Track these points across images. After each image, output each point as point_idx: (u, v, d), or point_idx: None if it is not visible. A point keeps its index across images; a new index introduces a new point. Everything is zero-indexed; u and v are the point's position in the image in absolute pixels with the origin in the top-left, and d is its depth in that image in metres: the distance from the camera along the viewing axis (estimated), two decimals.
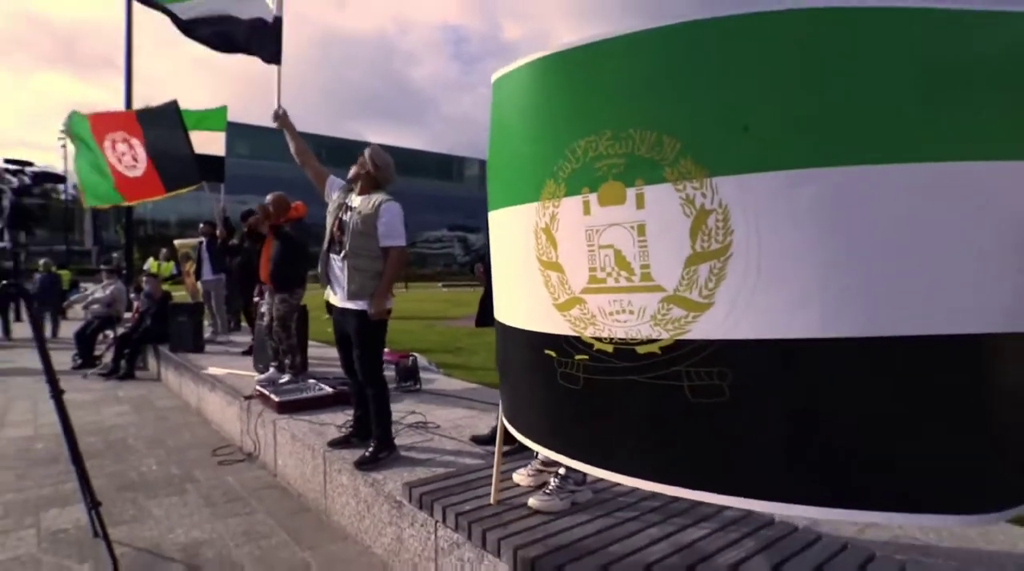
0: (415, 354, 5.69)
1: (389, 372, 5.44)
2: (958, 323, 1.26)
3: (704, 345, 1.47)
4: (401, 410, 4.21)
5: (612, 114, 1.57)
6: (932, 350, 1.27)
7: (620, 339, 1.62)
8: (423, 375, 5.34)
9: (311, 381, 4.89)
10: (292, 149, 3.60)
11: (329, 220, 3.31)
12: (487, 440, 3.41)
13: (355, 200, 3.24)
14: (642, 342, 1.57)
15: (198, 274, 8.57)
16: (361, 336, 3.18)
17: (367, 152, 3.28)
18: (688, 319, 1.48)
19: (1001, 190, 1.24)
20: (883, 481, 1.34)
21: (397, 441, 3.34)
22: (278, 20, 4.18)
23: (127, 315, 9.84)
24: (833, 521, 2.23)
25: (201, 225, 8.54)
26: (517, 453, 2.94)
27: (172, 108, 7.39)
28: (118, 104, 15.02)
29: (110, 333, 8.82)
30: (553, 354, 1.82)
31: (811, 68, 1.34)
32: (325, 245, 3.31)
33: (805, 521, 2.30)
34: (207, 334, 7.91)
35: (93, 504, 2.74)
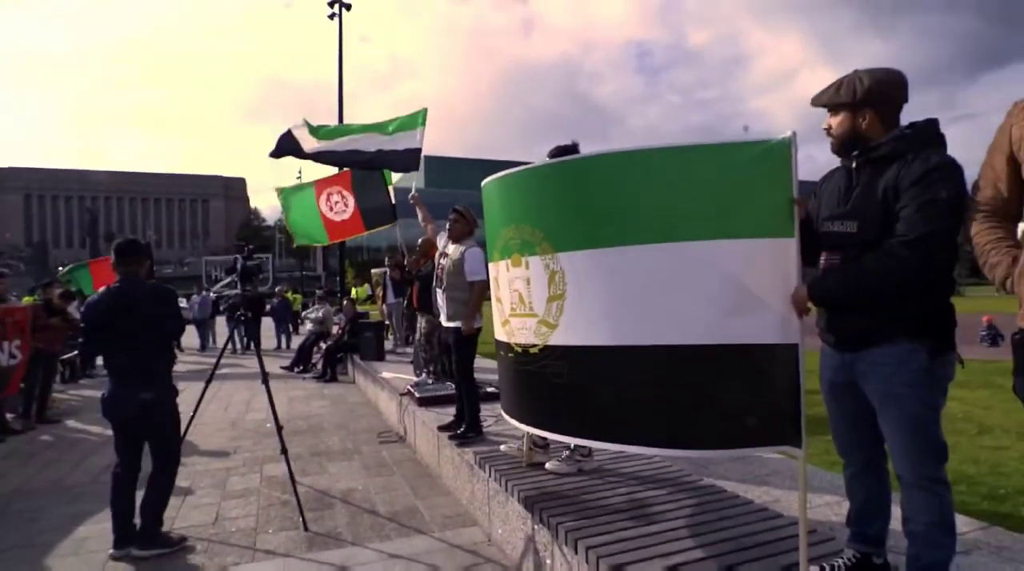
0: None
1: None
2: (690, 337, 2.09)
3: (556, 348, 2.44)
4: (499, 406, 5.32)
5: (516, 215, 2.62)
6: (675, 352, 2.12)
7: (523, 344, 2.63)
8: None
9: (448, 384, 6.22)
10: (420, 216, 5.11)
11: (436, 265, 4.56)
12: None
13: (450, 247, 4.44)
14: (531, 346, 2.57)
15: (384, 297, 10.63)
16: (457, 346, 4.33)
17: (459, 211, 4.46)
18: (549, 333, 2.46)
19: (717, 256, 2.02)
20: (654, 426, 2.19)
21: (495, 428, 4.43)
22: (418, 150, 6.04)
23: (335, 330, 12.39)
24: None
25: (387, 258, 10.61)
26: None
27: (378, 173, 9.57)
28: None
29: (322, 345, 11.28)
30: (503, 353, 2.89)
31: (599, 191, 2.26)
32: (434, 282, 4.56)
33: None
34: (389, 346, 9.82)
35: (286, 456, 4.25)
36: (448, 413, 5.17)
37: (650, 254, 2.12)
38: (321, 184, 10.10)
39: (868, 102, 1.87)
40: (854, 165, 1.96)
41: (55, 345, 7.43)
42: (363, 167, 6.95)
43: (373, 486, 4.51)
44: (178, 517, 3.92)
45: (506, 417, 3.09)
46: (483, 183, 2.92)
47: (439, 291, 4.46)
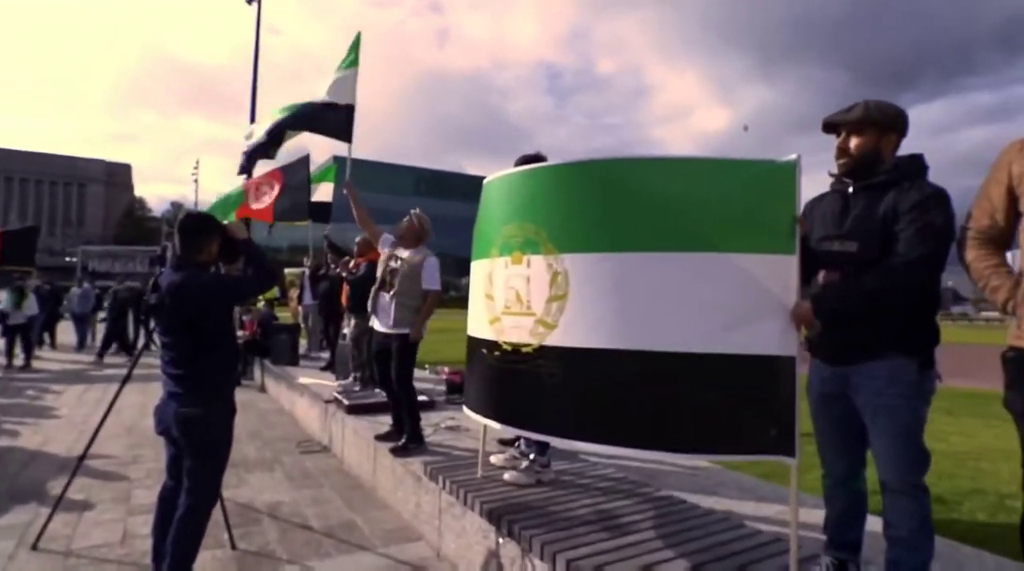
0: (463, 373, 6.64)
1: (442, 387, 6.46)
2: (691, 345, 2.13)
3: (553, 348, 2.40)
4: (443, 416, 5.17)
5: (519, 213, 2.58)
6: (675, 359, 2.14)
7: (514, 343, 2.58)
8: None
9: (377, 390, 5.96)
10: (355, 214, 4.62)
11: (381, 267, 4.33)
12: (510, 442, 4.24)
13: (403, 252, 4.26)
14: (525, 345, 2.52)
15: (300, 299, 10.07)
16: (400, 353, 4.14)
17: (416, 216, 4.30)
18: (546, 333, 2.42)
19: (720, 268, 2.08)
20: (650, 429, 2.21)
21: (433, 438, 4.27)
22: (351, 108, 5.18)
23: (240, 333, 11.58)
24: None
25: (305, 259, 10.08)
26: (510, 444, 3.80)
27: (304, 160, 9.08)
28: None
29: None
30: (485, 352, 2.81)
31: (607, 195, 2.27)
32: (377, 285, 4.32)
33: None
34: (302, 350, 9.31)
35: None
36: (380, 421, 4.94)
37: (655, 262, 2.15)
38: (251, 184, 9.61)
39: (895, 128, 2.01)
40: (850, 190, 2.08)
41: None
42: (294, 127, 5.92)
43: (301, 499, 4.20)
44: (76, 536, 3.44)
45: (473, 415, 3.00)
46: (487, 180, 2.86)
47: (385, 295, 4.24)
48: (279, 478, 4.68)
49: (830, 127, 2.11)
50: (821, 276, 2.09)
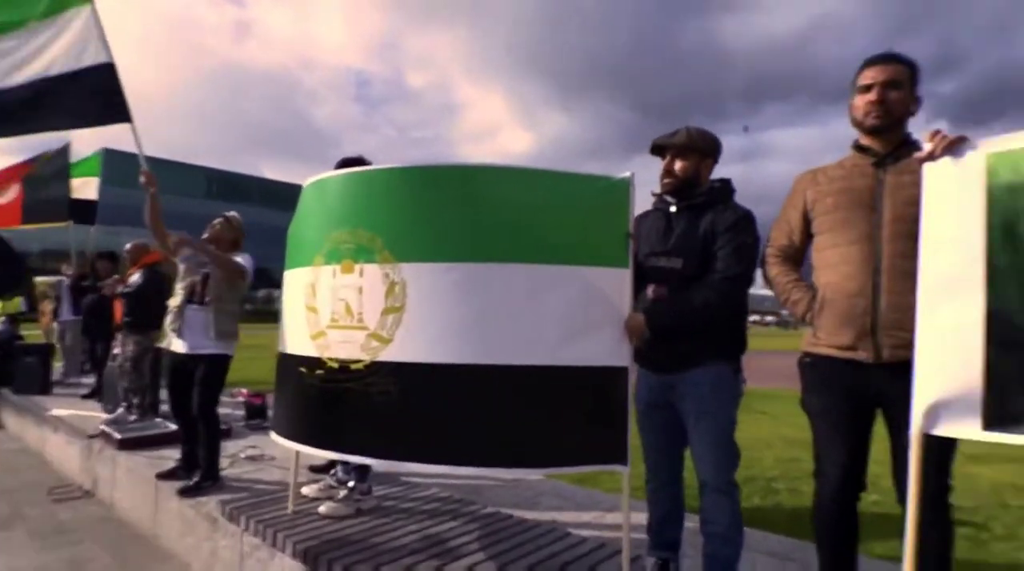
0: (265, 395, 6.00)
1: (240, 411, 5.77)
2: (533, 358, 2.11)
3: (387, 364, 2.22)
4: (241, 444, 4.58)
5: (351, 218, 2.35)
6: (518, 372, 2.10)
7: (343, 359, 2.33)
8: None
9: (158, 420, 5.11)
10: (149, 213, 3.62)
11: (188, 277, 3.64)
12: (324, 469, 3.85)
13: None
14: (355, 361, 2.29)
15: (56, 313, 8.37)
16: (209, 376, 3.54)
17: (230, 218, 3.76)
18: (380, 348, 2.22)
19: (559, 280, 2.10)
20: (493, 445, 2.13)
21: (231, 471, 3.72)
22: (108, 68, 3.64)
23: None
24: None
25: (64, 266, 8.42)
26: (324, 472, 3.46)
27: (63, 151, 7.56)
28: None
29: None
30: (304, 370, 2.49)
31: (451, 202, 2.18)
32: (183, 298, 3.60)
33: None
34: (56, 376, 7.72)
35: None
36: (163, 456, 4.23)
37: (498, 273, 2.09)
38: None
39: (711, 154, 2.18)
40: (673, 209, 2.22)
41: None
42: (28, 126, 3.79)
43: (54, 563, 3.38)
44: None
45: (284, 442, 2.65)
46: (309, 181, 2.55)
47: (197, 308, 3.58)
48: (20, 538, 3.73)
49: (657, 149, 2.25)
50: (650, 290, 2.20)
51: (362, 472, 3.12)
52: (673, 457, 2.28)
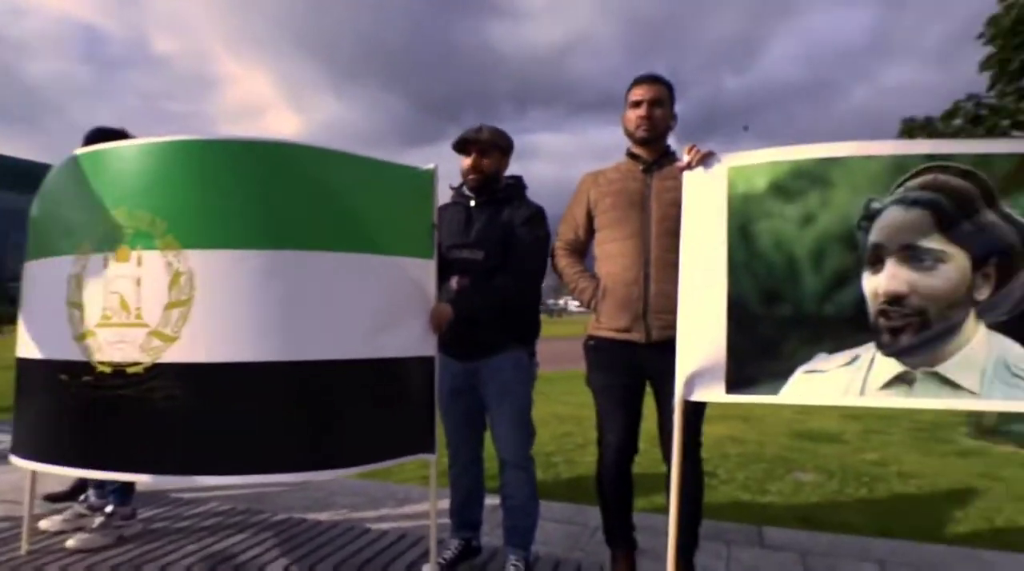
0: None
1: None
2: (342, 352, 2.01)
3: (173, 365, 1.93)
4: None
5: (127, 198, 2.01)
6: (318, 367, 1.97)
7: (117, 362, 1.98)
8: None
9: None
10: None
11: None
12: (65, 498, 3.21)
13: None
14: (132, 364, 1.96)
15: None
16: None
17: None
18: (163, 348, 1.94)
19: (366, 270, 2.05)
20: (301, 448, 1.99)
21: None
22: None
23: None
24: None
25: None
26: (69, 499, 2.92)
27: None
28: None
29: None
30: (66, 377, 2.07)
31: (249, 182, 1.98)
32: None
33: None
34: None
35: None
36: None
37: (303, 261, 1.94)
38: None
39: (508, 152, 2.31)
40: (473, 203, 2.31)
41: None
42: None
43: None
44: None
45: (26, 464, 2.20)
46: (80, 151, 2.13)
47: None
48: None
49: (461, 145, 2.30)
50: (454, 281, 2.26)
51: (123, 494, 2.68)
52: (474, 440, 2.38)
